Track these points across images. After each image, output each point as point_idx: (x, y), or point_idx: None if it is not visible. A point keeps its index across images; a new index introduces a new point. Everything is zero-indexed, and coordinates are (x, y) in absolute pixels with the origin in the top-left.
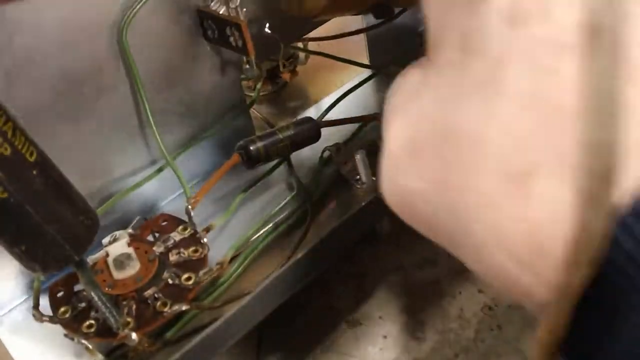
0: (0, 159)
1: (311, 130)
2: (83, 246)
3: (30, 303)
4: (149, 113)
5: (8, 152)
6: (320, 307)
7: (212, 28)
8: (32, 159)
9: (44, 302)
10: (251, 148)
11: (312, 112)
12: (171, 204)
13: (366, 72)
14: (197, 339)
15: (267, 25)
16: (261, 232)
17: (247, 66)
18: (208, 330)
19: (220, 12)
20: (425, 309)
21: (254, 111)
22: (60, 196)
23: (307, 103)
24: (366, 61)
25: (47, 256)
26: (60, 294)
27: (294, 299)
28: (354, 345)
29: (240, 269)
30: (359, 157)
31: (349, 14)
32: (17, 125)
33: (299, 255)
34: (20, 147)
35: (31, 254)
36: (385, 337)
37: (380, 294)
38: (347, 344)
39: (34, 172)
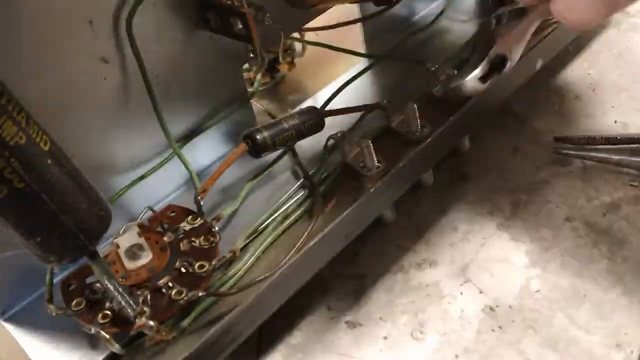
0: (16, 148)
1: (316, 119)
2: (97, 236)
3: (40, 299)
4: (156, 104)
5: (23, 140)
6: (320, 307)
7: (214, 18)
8: (46, 148)
9: (56, 297)
10: (257, 137)
11: (311, 104)
12: (176, 196)
13: (363, 63)
14: (214, 328)
15: (268, 15)
16: (270, 220)
17: (252, 55)
18: (226, 319)
19: (224, 1)
20: (425, 309)
21: (255, 103)
22: (74, 186)
23: (305, 95)
24: (362, 51)
25: (62, 247)
26: (72, 287)
27: (294, 299)
28: (354, 346)
29: (252, 258)
30: (364, 145)
31: (347, 2)
32: (30, 115)
33: (310, 243)
34: (34, 136)
35: (47, 245)
36: (385, 338)
37: (380, 295)
38: (347, 344)
39: (49, 162)
